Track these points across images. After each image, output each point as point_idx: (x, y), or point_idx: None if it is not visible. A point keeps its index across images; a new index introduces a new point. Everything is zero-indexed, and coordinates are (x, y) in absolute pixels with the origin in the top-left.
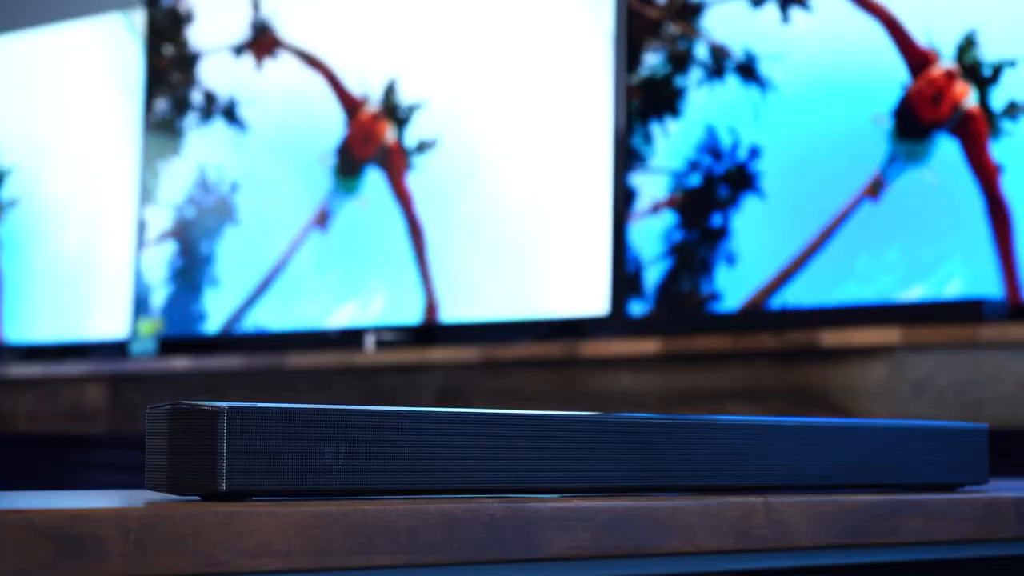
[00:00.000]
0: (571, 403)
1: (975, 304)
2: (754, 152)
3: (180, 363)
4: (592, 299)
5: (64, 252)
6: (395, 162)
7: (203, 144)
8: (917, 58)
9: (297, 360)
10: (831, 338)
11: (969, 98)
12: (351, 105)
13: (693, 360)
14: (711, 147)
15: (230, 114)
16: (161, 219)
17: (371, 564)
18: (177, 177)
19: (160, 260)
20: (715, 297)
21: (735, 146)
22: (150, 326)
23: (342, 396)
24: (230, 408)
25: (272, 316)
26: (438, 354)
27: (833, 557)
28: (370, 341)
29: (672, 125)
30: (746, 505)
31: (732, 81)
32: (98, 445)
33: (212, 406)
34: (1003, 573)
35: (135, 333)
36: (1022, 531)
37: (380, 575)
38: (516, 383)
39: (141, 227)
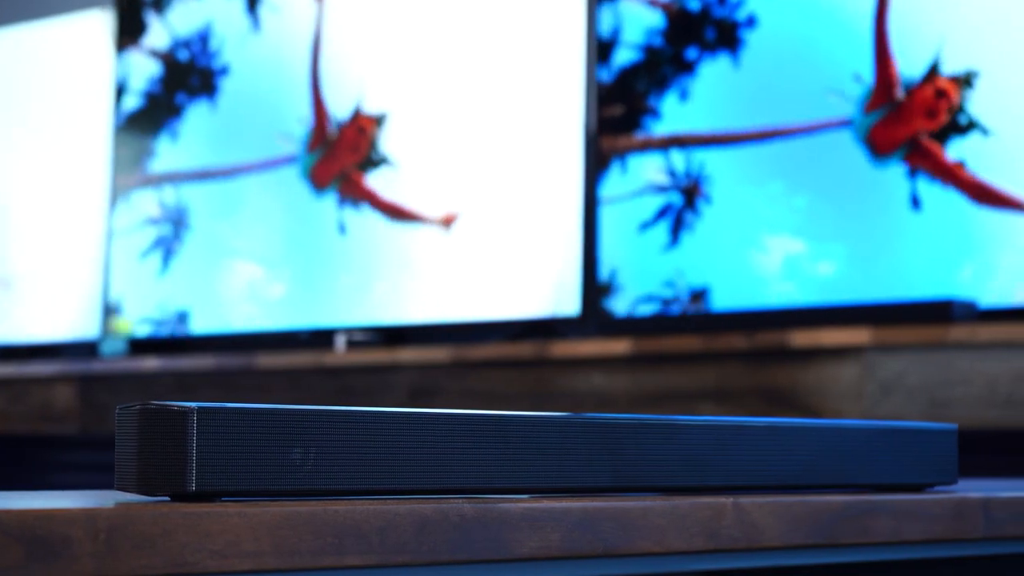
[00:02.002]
0: (542, 403)
1: (944, 305)
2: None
3: (150, 363)
4: (563, 300)
5: (33, 251)
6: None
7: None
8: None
9: (268, 360)
10: (801, 339)
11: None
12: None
13: (664, 360)
14: None
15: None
16: (132, 216)
17: (341, 564)
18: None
19: (130, 259)
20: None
21: None
22: (120, 326)
23: (313, 396)
24: (200, 408)
25: (241, 316)
26: (408, 354)
27: (802, 557)
28: (340, 341)
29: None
30: (716, 505)
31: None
32: (68, 445)
33: (182, 406)
34: (971, 573)
35: (105, 333)
36: (990, 531)
37: (350, 575)
38: (487, 383)
39: (111, 226)
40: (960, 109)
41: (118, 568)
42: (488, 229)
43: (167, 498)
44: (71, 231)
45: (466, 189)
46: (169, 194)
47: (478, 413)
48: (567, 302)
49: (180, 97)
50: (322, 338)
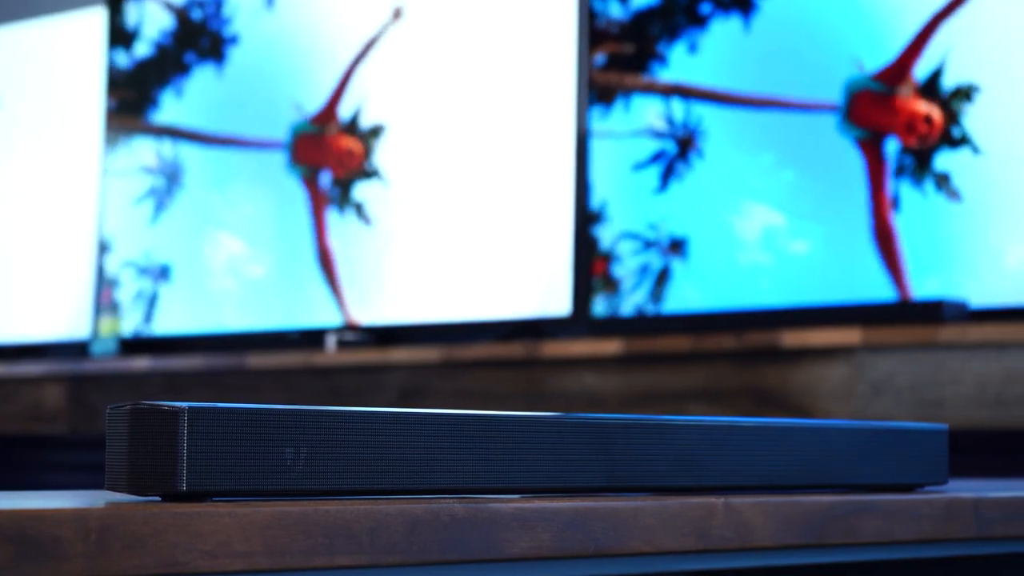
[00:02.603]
0: (532, 403)
1: (934, 305)
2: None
3: (141, 363)
4: (553, 300)
5: (23, 250)
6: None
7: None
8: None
9: (258, 360)
10: (791, 339)
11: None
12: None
13: (654, 361)
14: None
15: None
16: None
17: (332, 564)
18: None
19: (125, 201)
20: None
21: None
22: (111, 326)
23: (303, 396)
24: (190, 408)
25: (233, 315)
26: (399, 354)
27: (793, 557)
28: (331, 341)
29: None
30: (706, 505)
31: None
32: (58, 445)
33: (172, 406)
34: (962, 573)
35: (96, 333)
36: (981, 531)
37: (341, 575)
38: (477, 383)
39: (102, 226)
40: (955, 121)
41: (109, 568)
42: (479, 229)
43: (158, 498)
44: (62, 231)
45: (457, 188)
46: (167, 148)
47: (468, 413)
48: (557, 302)
49: (189, 56)
50: (312, 338)
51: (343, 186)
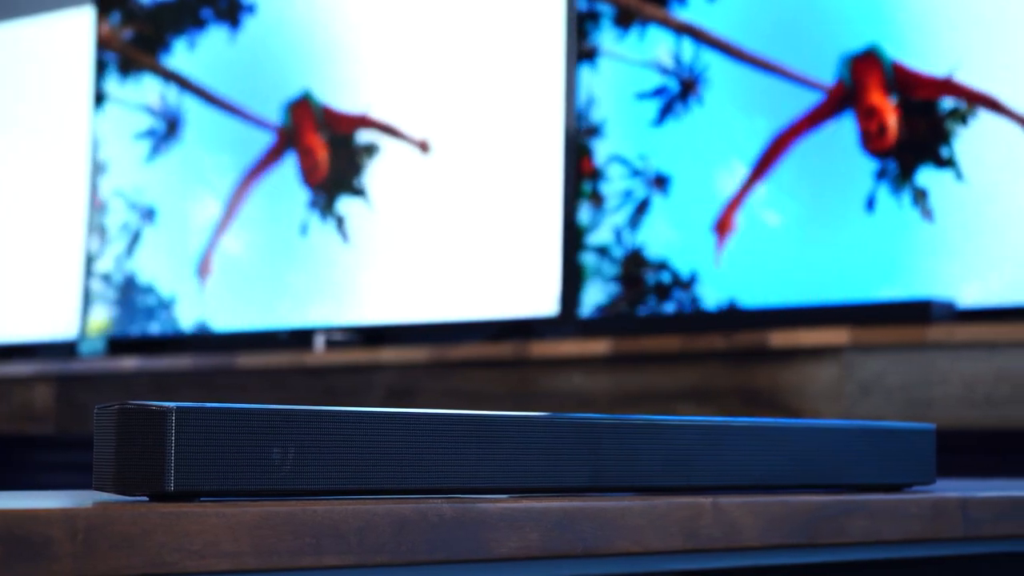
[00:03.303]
0: (521, 403)
1: (922, 305)
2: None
3: (129, 363)
4: (542, 299)
5: (12, 250)
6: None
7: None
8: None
9: (247, 360)
10: (780, 339)
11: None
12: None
13: (643, 361)
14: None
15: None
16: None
17: (320, 564)
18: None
19: (124, 133)
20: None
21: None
22: (99, 325)
23: (293, 396)
24: (178, 408)
25: (222, 314)
26: (388, 354)
27: (781, 557)
28: (320, 341)
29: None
30: (695, 505)
31: None
32: (47, 445)
33: (160, 406)
34: (950, 573)
35: (84, 333)
36: (968, 531)
37: (328, 575)
38: (466, 383)
39: (91, 224)
40: (945, 141)
41: (97, 568)
42: (468, 229)
43: (146, 498)
44: (51, 231)
45: (446, 188)
46: (172, 95)
47: (457, 413)
48: (546, 302)
49: (206, 12)
50: (301, 338)
51: (328, 191)
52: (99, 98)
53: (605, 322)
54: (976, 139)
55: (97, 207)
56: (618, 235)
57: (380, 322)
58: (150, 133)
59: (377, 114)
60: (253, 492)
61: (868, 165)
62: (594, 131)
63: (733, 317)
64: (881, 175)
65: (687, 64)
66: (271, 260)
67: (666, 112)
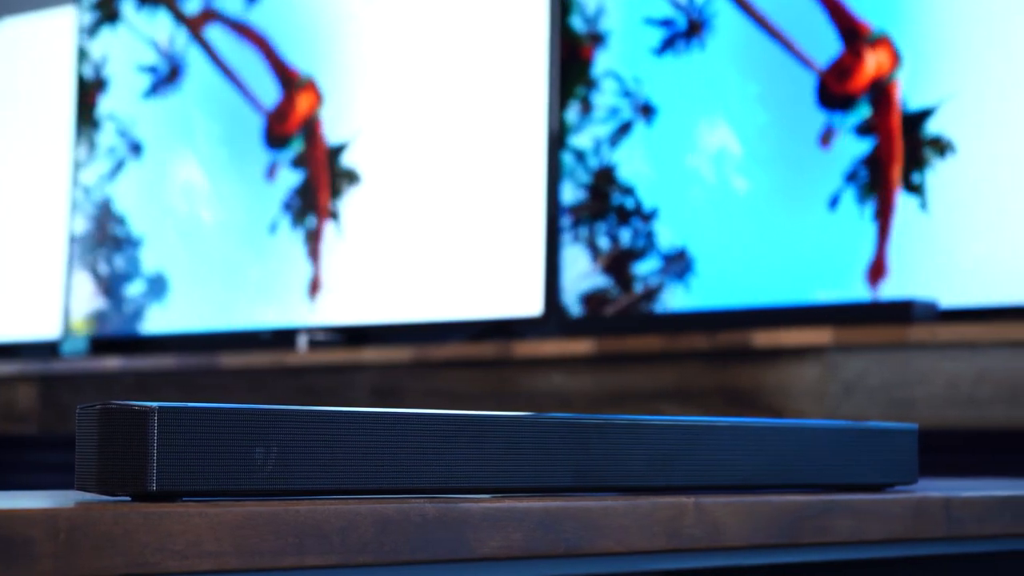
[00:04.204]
0: (504, 403)
1: (905, 305)
2: None
3: (112, 363)
4: (525, 300)
5: None
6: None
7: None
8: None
9: (229, 360)
10: (763, 339)
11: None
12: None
13: (625, 360)
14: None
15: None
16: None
17: (302, 564)
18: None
19: (129, 67)
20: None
21: None
22: (82, 325)
23: (275, 396)
24: (160, 408)
25: (205, 314)
26: (370, 354)
27: (764, 557)
28: (303, 341)
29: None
30: (677, 505)
31: None
32: (29, 445)
33: (142, 406)
34: (932, 572)
35: (66, 332)
36: (951, 531)
37: (311, 575)
38: (449, 383)
39: (72, 225)
40: (919, 168)
41: (78, 568)
42: (450, 229)
43: (128, 498)
44: (33, 231)
45: (428, 188)
46: (181, 39)
47: (440, 413)
48: (529, 302)
49: None
50: (284, 338)
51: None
52: (113, 16)
53: (588, 322)
54: (955, 169)
55: (88, 125)
56: (597, 146)
57: (363, 322)
58: (152, 70)
59: (357, 116)
60: (236, 492)
61: (820, 117)
62: (598, 39)
63: (716, 317)
64: (851, 178)
65: (699, 5)
66: (249, 256)
67: (668, 45)
